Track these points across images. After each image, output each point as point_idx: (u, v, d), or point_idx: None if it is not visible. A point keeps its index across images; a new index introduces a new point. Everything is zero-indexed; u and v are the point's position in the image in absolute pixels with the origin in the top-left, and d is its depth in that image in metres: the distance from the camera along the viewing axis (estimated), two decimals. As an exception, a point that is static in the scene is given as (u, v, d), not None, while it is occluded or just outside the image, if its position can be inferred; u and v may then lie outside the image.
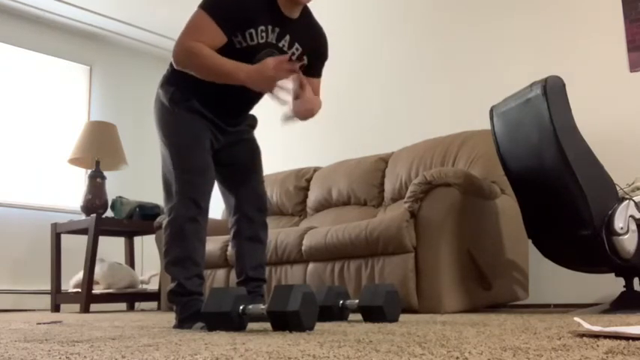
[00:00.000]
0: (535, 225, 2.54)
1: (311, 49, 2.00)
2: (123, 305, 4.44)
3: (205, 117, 1.96)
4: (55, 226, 4.11)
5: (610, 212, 2.22)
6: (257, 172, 2.12)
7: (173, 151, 1.93)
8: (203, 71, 1.84)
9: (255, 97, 2.06)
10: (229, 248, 3.28)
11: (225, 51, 1.84)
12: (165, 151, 1.96)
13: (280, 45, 1.91)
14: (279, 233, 3.17)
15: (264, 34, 1.86)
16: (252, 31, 1.85)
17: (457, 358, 0.91)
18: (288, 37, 1.91)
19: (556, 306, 3.15)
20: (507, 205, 2.93)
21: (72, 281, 3.98)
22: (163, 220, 1.96)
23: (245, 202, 2.05)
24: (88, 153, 4.15)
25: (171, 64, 2.00)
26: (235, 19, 1.82)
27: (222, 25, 1.81)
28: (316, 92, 2.08)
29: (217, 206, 2.86)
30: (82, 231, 4.00)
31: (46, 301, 4.42)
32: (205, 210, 1.93)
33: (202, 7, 1.83)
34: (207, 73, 1.83)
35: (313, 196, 3.95)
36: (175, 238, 1.89)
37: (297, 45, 1.94)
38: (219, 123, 1.98)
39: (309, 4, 1.95)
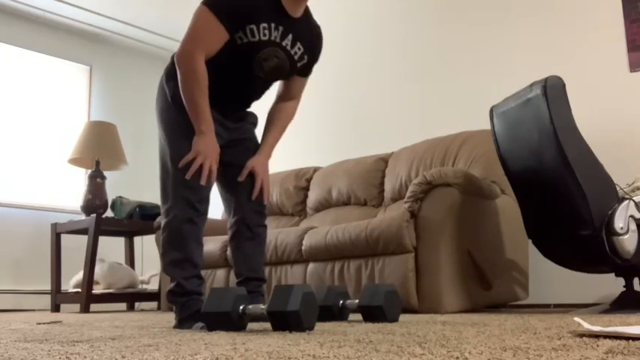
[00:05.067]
0: (535, 225, 2.54)
1: (310, 50, 2.00)
2: (123, 305, 4.44)
3: None
4: (55, 226, 4.11)
5: (610, 212, 2.22)
6: None
7: (172, 150, 1.93)
8: (185, 90, 1.85)
9: (258, 89, 2.05)
10: (228, 249, 3.28)
11: (227, 47, 1.85)
12: (165, 147, 1.95)
13: (284, 44, 1.90)
14: (279, 233, 3.17)
15: (266, 32, 1.86)
16: (254, 26, 1.84)
17: (457, 358, 0.91)
18: (290, 36, 1.91)
19: (556, 306, 3.14)
20: (507, 205, 2.93)
21: (72, 281, 3.98)
22: (161, 221, 1.95)
23: (245, 203, 2.04)
24: (88, 153, 4.15)
25: (172, 57, 1.98)
26: (237, 12, 1.82)
27: (224, 21, 1.81)
28: (299, 92, 2.11)
29: (217, 206, 2.86)
30: (82, 231, 4.00)
31: (46, 301, 4.43)
32: (203, 211, 1.92)
33: (205, 2, 1.84)
34: (187, 93, 1.85)
35: (313, 196, 3.95)
36: (173, 240, 1.88)
37: (298, 44, 1.94)
38: (221, 119, 1.97)
39: (308, 3, 1.95)
